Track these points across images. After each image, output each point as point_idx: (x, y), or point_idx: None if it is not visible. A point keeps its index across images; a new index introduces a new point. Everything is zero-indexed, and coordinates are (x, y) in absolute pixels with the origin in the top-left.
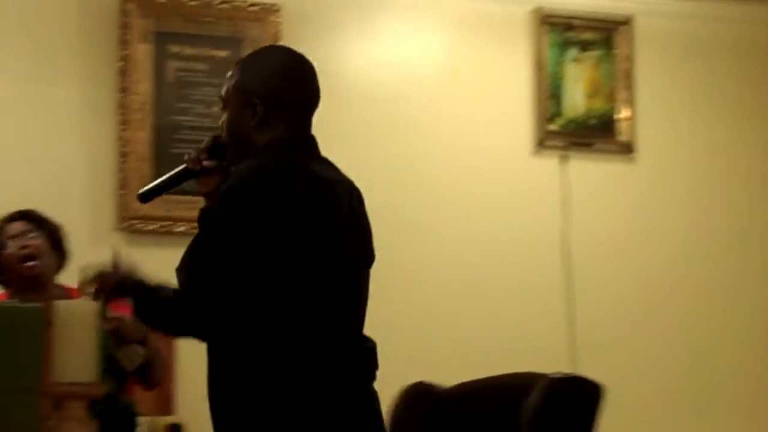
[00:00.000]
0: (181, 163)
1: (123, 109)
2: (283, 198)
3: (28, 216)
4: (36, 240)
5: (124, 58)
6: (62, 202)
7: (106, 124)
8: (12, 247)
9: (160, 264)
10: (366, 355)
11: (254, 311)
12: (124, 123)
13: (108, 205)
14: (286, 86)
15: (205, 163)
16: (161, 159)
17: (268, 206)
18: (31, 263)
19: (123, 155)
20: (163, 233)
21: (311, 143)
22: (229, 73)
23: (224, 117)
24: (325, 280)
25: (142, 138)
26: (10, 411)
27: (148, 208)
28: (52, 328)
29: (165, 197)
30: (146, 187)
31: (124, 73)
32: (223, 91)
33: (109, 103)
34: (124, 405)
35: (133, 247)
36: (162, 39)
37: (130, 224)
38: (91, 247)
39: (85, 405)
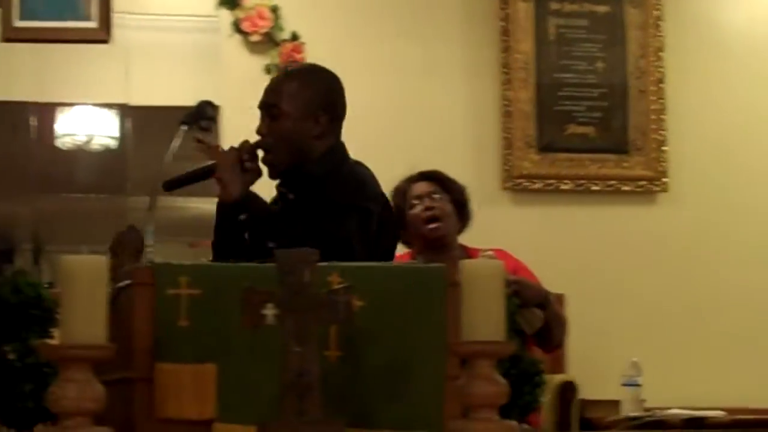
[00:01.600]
0: None
1: (506, 69)
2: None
3: (432, 177)
4: (440, 202)
5: (506, 18)
6: (448, 162)
7: (490, 84)
8: (417, 208)
9: (545, 222)
10: None
11: None
12: (507, 82)
13: (493, 164)
14: (341, 101)
15: (248, 164)
16: (545, 117)
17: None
18: (434, 225)
19: (507, 114)
20: (549, 191)
21: None
22: (276, 86)
23: (274, 124)
24: None
25: (526, 97)
26: (417, 370)
27: (533, 167)
28: (458, 288)
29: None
30: (172, 177)
31: (505, 32)
32: (275, 101)
33: (492, 63)
34: (529, 363)
35: (518, 206)
36: None
37: (515, 183)
38: (479, 206)
39: (493, 364)
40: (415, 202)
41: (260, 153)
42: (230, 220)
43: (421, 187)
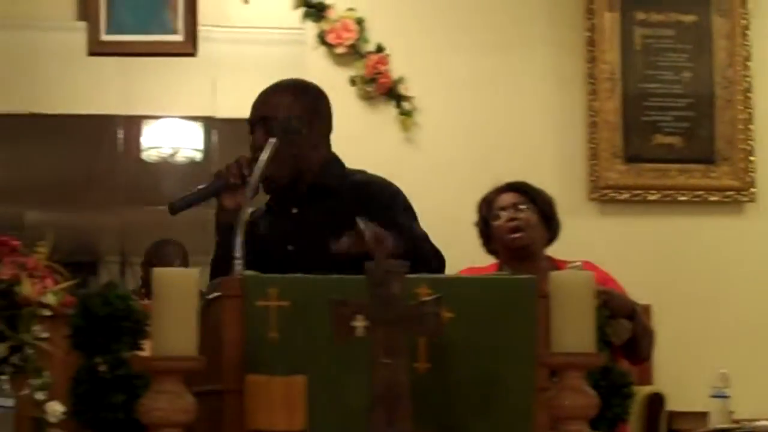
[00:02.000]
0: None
1: (592, 79)
2: None
3: (519, 188)
4: (525, 212)
5: (592, 28)
6: (534, 173)
7: (576, 94)
8: (501, 218)
9: (632, 233)
10: None
11: None
12: (593, 92)
13: (579, 175)
14: (330, 113)
15: (249, 178)
16: (631, 127)
17: None
18: (517, 235)
19: (593, 125)
20: (636, 202)
21: None
22: (271, 99)
23: (274, 138)
24: None
25: (612, 107)
26: (507, 382)
27: (620, 177)
28: (547, 300)
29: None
30: (178, 199)
31: (591, 42)
32: (273, 114)
33: (578, 73)
34: (618, 375)
35: (605, 217)
36: (628, 6)
37: (602, 194)
38: (564, 217)
39: (584, 375)
40: (501, 212)
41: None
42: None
43: (507, 198)
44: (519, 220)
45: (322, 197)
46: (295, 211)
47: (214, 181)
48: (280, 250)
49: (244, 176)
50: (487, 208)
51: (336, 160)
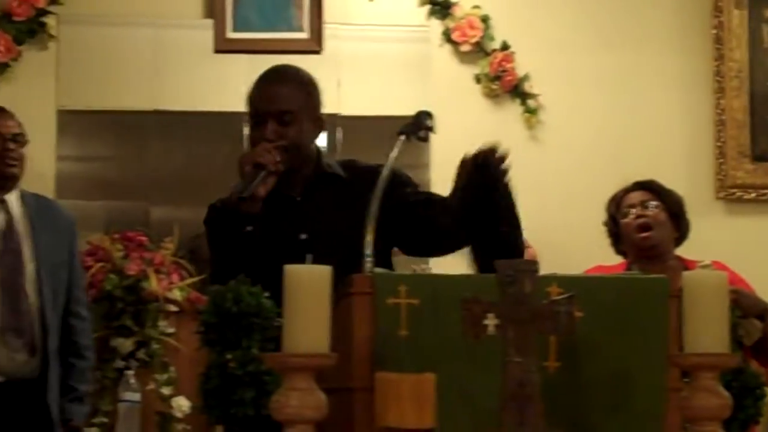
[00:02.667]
0: None
1: (719, 77)
2: None
3: (647, 186)
4: (654, 211)
5: (719, 26)
6: (661, 172)
7: (703, 92)
8: (629, 217)
9: (760, 232)
10: None
11: None
12: (720, 91)
13: (706, 174)
14: None
15: (280, 166)
16: (759, 126)
17: None
18: (645, 234)
19: (720, 124)
20: (763, 201)
21: None
22: (283, 91)
23: (284, 129)
24: None
25: (739, 105)
26: (638, 382)
27: (747, 176)
28: (678, 299)
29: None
30: (241, 190)
31: (719, 40)
32: (287, 107)
33: (705, 71)
34: (751, 376)
35: (732, 216)
36: (756, 3)
37: (729, 193)
38: (691, 217)
39: (717, 376)
40: (629, 210)
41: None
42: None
43: (635, 197)
44: (647, 218)
45: (325, 184)
46: (299, 199)
47: (257, 171)
48: (291, 239)
49: (278, 164)
50: (615, 206)
51: (321, 151)
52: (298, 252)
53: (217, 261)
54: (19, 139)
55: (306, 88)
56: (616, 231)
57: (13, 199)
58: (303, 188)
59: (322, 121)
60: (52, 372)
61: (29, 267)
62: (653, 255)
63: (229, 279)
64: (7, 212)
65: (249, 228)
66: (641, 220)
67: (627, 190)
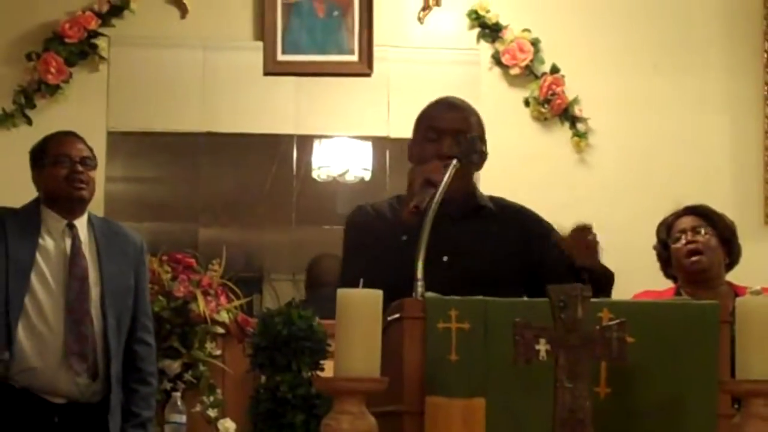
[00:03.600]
0: None
1: None
2: None
3: (699, 211)
4: (704, 236)
5: None
6: (709, 197)
7: (752, 116)
8: (680, 242)
9: None
10: None
11: None
12: None
13: (756, 199)
14: None
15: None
16: None
17: None
18: (695, 258)
19: None
20: None
21: None
22: (461, 114)
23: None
24: None
25: None
26: (689, 408)
27: None
28: (728, 325)
29: None
30: (415, 208)
31: None
32: (466, 128)
33: (755, 96)
34: None
35: None
36: None
37: None
38: (741, 242)
39: None
40: (680, 235)
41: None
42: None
43: (686, 222)
44: (698, 243)
45: (475, 214)
46: (452, 223)
47: (428, 188)
48: (434, 258)
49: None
50: (666, 231)
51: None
52: (437, 272)
53: (353, 262)
54: (89, 162)
55: (479, 118)
56: (667, 256)
57: (82, 223)
58: (457, 213)
59: (485, 154)
60: (114, 397)
61: (94, 292)
62: (703, 280)
63: (365, 281)
64: (76, 237)
65: (404, 237)
66: (692, 246)
67: (678, 215)
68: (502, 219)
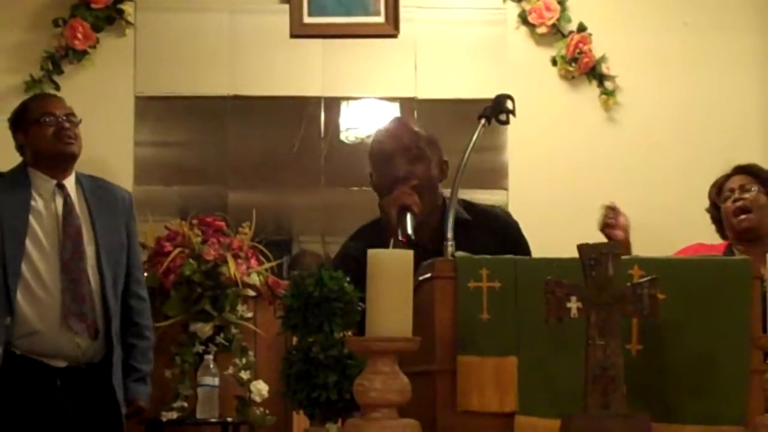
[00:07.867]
0: None
1: None
2: None
3: (747, 170)
4: (752, 194)
5: None
6: (740, 155)
7: None
8: (729, 201)
9: None
10: None
11: None
12: None
13: None
14: None
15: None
16: None
17: None
18: (743, 217)
19: None
20: None
21: None
22: (410, 129)
23: (413, 168)
24: None
25: None
26: (721, 364)
27: None
28: (761, 281)
29: None
30: (404, 233)
31: None
32: (416, 143)
33: None
34: None
35: None
36: None
37: None
38: None
39: None
40: (729, 195)
41: None
42: None
43: (735, 181)
44: (746, 201)
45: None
46: (430, 248)
47: (404, 214)
48: None
49: (418, 205)
50: (716, 192)
51: (444, 197)
52: None
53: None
54: (73, 119)
55: (427, 132)
56: (719, 217)
57: (70, 182)
58: (432, 238)
59: (446, 166)
60: (116, 355)
61: (89, 250)
62: (752, 238)
63: None
64: (67, 196)
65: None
66: (739, 203)
67: (728, 176)
68: (479, 226)
